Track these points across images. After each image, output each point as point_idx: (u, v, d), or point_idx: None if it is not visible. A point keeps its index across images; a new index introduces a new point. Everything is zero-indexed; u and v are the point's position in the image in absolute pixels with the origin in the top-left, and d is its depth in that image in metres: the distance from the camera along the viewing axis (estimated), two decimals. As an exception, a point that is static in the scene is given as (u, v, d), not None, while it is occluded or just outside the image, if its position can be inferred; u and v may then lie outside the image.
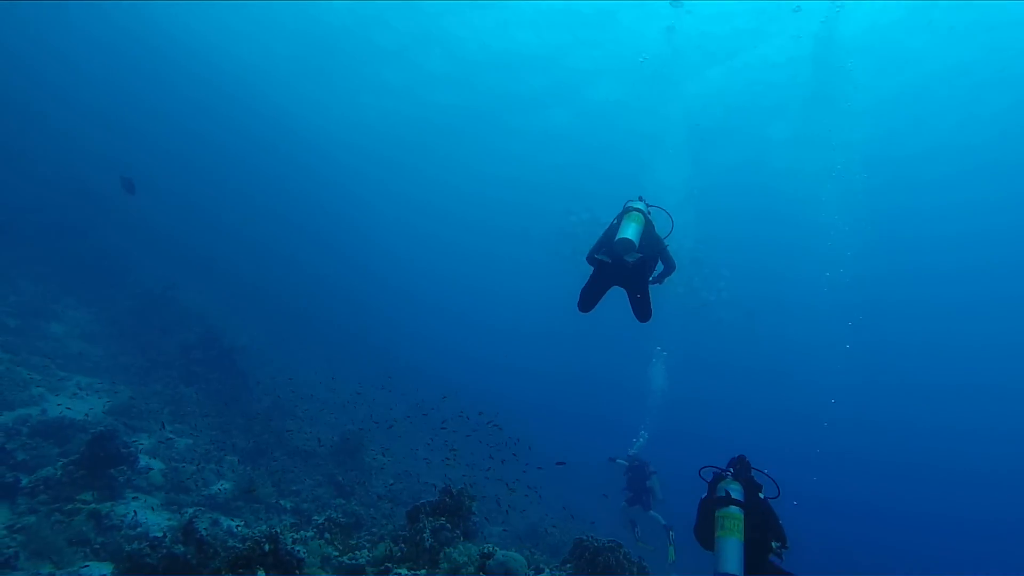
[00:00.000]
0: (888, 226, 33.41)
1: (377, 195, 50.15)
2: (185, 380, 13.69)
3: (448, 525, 5.49)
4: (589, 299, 5.74)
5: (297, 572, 4.35)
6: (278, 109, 41.65)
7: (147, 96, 38.91)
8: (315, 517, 7.52)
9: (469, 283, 53.19)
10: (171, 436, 10.62)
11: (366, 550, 5.50)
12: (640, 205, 5.68)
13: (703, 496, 4.47)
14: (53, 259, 17.44)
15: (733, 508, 4.05)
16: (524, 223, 44.83)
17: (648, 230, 5.55)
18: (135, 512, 6.90)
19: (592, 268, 5.64)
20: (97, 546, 6.18)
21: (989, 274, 34.85)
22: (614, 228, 5.57)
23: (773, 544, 4.15)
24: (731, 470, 4.45)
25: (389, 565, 5.15)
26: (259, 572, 4.16)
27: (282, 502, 9.63)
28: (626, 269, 5.35)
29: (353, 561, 5.18)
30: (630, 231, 5.30)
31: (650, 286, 5.69)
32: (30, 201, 18.90)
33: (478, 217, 48.87)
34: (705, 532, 4.26)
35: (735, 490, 4.20)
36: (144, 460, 8.84)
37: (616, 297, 5.92)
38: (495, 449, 10.69)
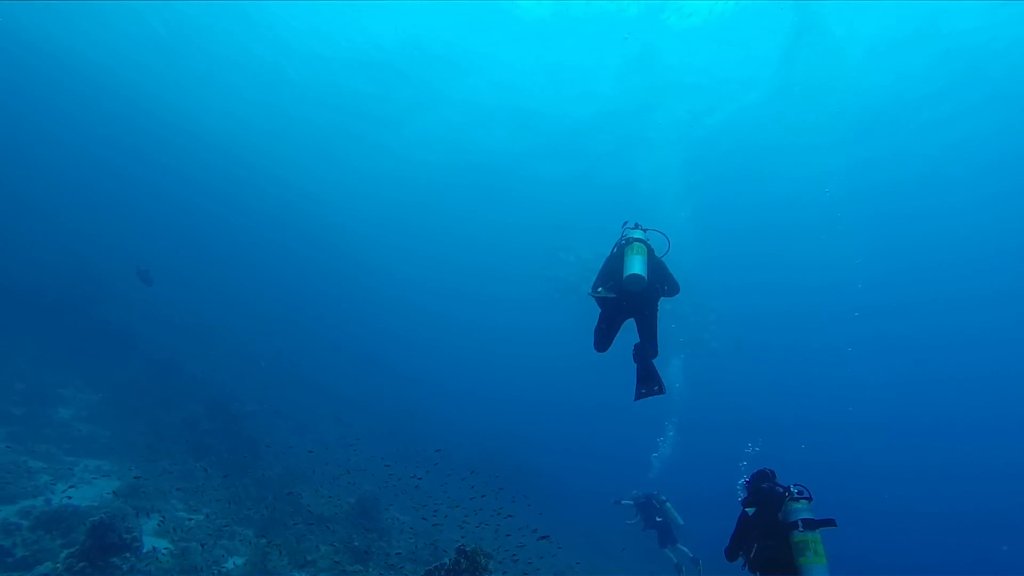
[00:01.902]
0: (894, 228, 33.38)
1: (374, 252, 50.85)
2: (194, 453, 13.41)
3: (465, 588, 5.14)
4: (604, 339, 5.63)
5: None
6: (272, 179, 42.69)
7: (138, 172, 40.08)
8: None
9: (471, 324, 53.19)
10: (181, 514, 10.30)
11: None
12: (639, 234, 5.56)
13: (752, 514, 4.11)
14: (56, 341, 17.44)
15: (814, 533, 3.74)
16: (523, 265, 45.15)
17: (651, 258, 5.47)
18: (140, 602, 6.57)
19: (600, 306, 5.58)
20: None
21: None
22: (615, 259, 5.49)
23: None
24: (796, 489, 4.06)
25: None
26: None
27: (298, 573, 9.21)
28: (633, 298, 5.29)
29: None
30: (637, 265, 5.18)
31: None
32: (28, 284, 19.07)
33: (476, 262, 49.29)
34: (773, 555, 3.85)
35: (805, 510, 3.88)
36: (152, 542, 8.53)
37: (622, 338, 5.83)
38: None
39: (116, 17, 27.68)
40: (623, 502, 11.57)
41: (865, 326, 40.17)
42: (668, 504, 11.07)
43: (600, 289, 5.45)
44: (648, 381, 5.38)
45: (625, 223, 5.79)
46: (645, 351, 5.38)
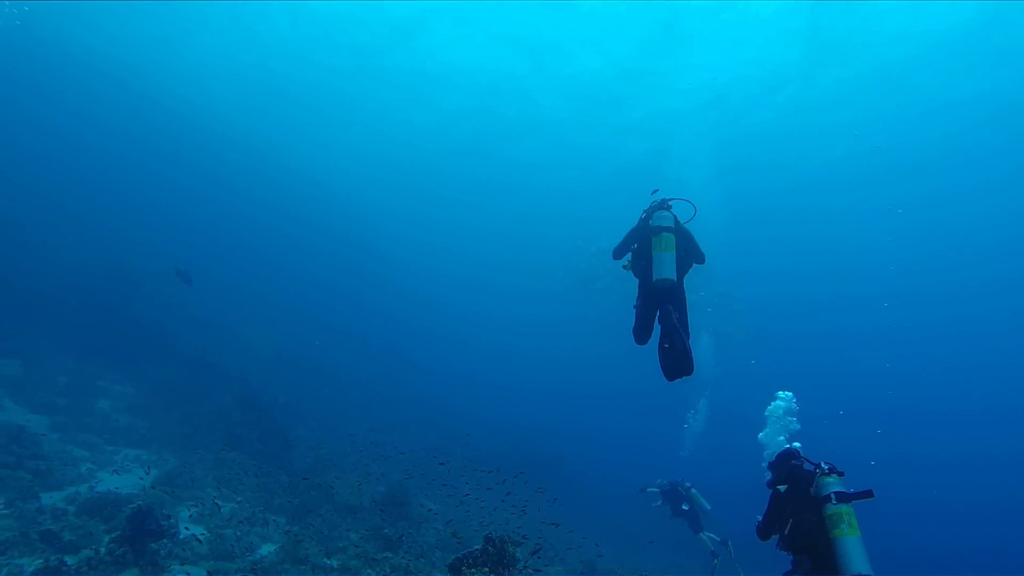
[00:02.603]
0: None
1: (401, 248, 51.30)
2: (227, 443, 13.73)
3: (492, 575, 5.15)
4: (642, 331, 5.62)
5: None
6: (300, 176, 43.29)
7: (168, 173, 41.09)
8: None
9: (496, 317, 53.31)
10: (216, 502, 10.58)
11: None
12: (668, 217, 5.48)
13: (785, 491, 4.15)
14: (95, 337, 18.06)
15: (848, 505, 3.77)
16: (546, 257, 45.07)
17: (679, 239, 5.45)
18: (178, 586, 6.78)
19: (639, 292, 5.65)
20: (142, 625, 6.05)
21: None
22: (642, 238, 5.53)
23: None
24: (826, 464, 4.09)
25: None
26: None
27: (328, 561, 9.38)
28: (664, 291, 5.36)
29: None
30: (668, 267, 5.22)
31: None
32: (65, 286, 19.84)
33: (504, 255, 49.34)
34: (806, 528, 3.85)
35: (837, 483, 3.93)
36: (188, 529, 8.78)
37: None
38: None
39: (151, 25, 28.40)
40: (648, 490, 11.46)
41: (893, 315, 39.27)
42: (694, 490, 11.01)
43: (627, 260, 5.62)
44: (682, 360, 5.25)
45: (655, 191, 5.76)
46: (676, 333, 5.29)
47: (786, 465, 4.26)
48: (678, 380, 5.30)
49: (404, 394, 27.54)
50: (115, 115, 37.32)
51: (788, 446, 4.43)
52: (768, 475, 4.43)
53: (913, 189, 31.15)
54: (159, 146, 39.81)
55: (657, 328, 5.57)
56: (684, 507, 10.83)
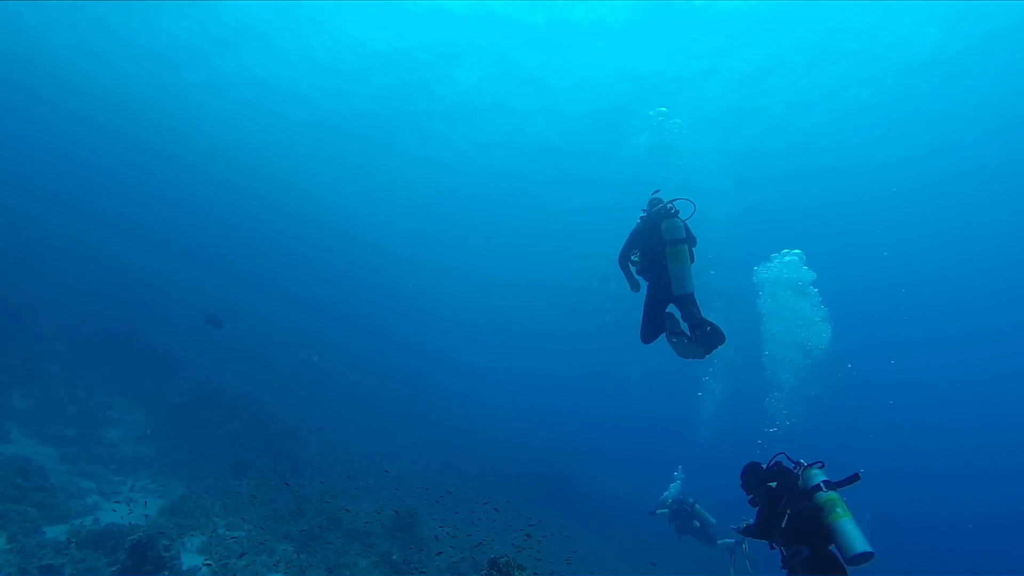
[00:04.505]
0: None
1: (408, 267, 51.45)
2: (235, 470, 13.61)
3: (498, 603, 4.93)
4: (652, 332, 5.83)
5: None
6: (304, 195, 43.61)
7: (171, 198, 41.54)
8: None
9: (505, 335, 53.10)
10: (222, 531, 10.40)
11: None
12: (680, 227, 5.55)
13: (776, 486, 4.33)
14: (105, 366, 18.13)
15: (836, 492, 4.00)
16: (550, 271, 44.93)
17: (691, 247, 5.65)
18: (179, 620, 6.59)
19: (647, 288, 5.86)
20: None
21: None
22: (651, 240, 5.61)
23: None
24: (806, 462, 4.35)
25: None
26: None
27: (335, 589, 9.15)
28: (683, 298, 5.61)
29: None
30: (689, 281, 5.46)
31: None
32: (74, 315, 20.05)
33: (507, 273, 49.30)
34: (806, 515, 3.98)
35: (822, 474, 4.19)
36: (193, 559, 8.61)
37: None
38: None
39: (163, 49, 28.87)
40: (658, 512, 11.35)
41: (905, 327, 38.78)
42: (698, 506, 11.08)
43: (635, 258, 5.79)
44: (710, 336, 5.55)
45: (656, 191, 5.80)
46: (702, 322, 5.57)
47: (762, 475, 4.44)
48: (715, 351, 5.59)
49: (414, 415, 27.30)
50: (121, 144, 37.86)
51: (749, 462, 4.63)
52: (747, 493, 4.57)
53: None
54: (163, 171, 40.32)
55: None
56: (696, 524, 10.72)
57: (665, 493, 12.06)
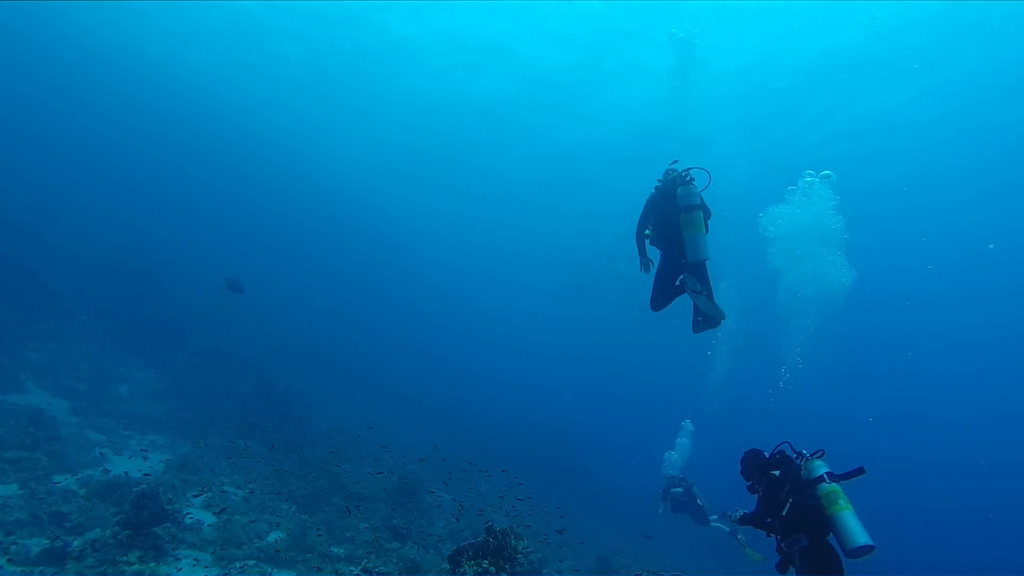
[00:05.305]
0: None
1: (419, 242, 51.44)
2: (242, 430, 13.79)
3: (492, 568, 4.95)
4: (664, 293, 5.78)
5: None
6: (317, 168, 43.53)
7: (187, 168, 41.74)
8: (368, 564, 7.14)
9: (515, 314, 53.09)
10: (226, 489, 10.58)
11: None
12: (695, 194, 5.48)
13: (779, 474, 4.26)
14: (118, 327, 18.38)
15: (838, 484, 3.98)
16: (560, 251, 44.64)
17: (707, 215, 5.56)
18: (180, 571, 6.72)
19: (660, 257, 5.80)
20: (142, 609, 6.00)
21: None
22: (667, 209, 5.51)
23: None
24: (808, 453, 4.30)
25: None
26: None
27: (335, 549, 9.30)
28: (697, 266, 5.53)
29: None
30: (704, 247, 5.34)
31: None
32: (90, 279, 20.35)
33: (519, 250, 49.09)
34: (809, 505, 3.96)
35: (824, 465, 4.15)
36: (198, 514, 8.77)
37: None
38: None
39: (179, 24, 28.71)
40: (673, 490, 11.14)
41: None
42: (695, 488, 11.00)
43: (648, 231, 5.70)
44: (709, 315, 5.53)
45: (675, 161, 5.75)
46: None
47: (764, 463, 4.38)
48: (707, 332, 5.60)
49: (420, 388, 27.52)
50: (140, 114, 38.04)
51: (750, 449, 4.57)
52: (747, 481, 4.52)
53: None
54: (177, 141, 40.50)
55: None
56: (700, 503, 10.67)
57: (667, 467, 12.00)
